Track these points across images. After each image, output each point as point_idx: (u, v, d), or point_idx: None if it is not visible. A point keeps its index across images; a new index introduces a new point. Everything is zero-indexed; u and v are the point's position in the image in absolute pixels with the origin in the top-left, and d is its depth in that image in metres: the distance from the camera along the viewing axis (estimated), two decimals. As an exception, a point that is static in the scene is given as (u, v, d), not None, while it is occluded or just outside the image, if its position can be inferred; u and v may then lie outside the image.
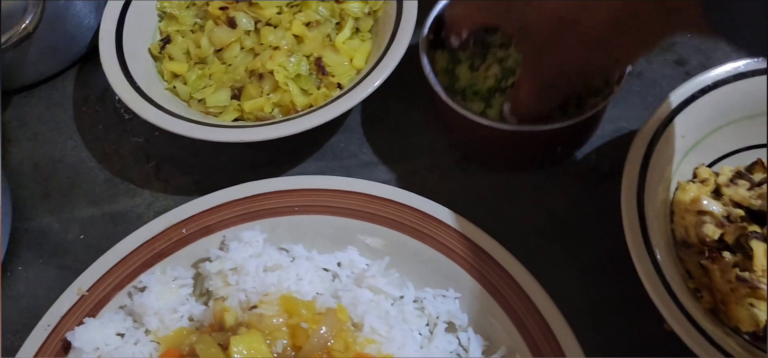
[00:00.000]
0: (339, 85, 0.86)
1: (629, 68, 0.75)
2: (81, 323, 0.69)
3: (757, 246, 0.68)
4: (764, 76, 0.76)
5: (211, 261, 0.71)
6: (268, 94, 0.85)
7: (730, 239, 0.70)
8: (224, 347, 0.61)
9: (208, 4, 0.92)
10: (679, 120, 0.74)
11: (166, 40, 0.91)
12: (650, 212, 0.68)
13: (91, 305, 0.70)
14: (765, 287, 0.66)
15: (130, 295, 0.71)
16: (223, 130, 0.79)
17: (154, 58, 0.92)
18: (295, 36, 0.88)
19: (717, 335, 0.62)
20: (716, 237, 0.71)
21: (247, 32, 0.89)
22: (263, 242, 0.72)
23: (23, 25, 0.84)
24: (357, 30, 0.91)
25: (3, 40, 0.83)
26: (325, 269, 0.73)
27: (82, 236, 0.83)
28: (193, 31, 0.92)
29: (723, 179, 0.74)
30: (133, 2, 0.92)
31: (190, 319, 0.69)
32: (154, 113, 0.80)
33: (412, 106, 0.89)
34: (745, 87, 0.76)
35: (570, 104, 0.76)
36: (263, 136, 0.77)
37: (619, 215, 0.68)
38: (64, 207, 0.86)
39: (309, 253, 0.73)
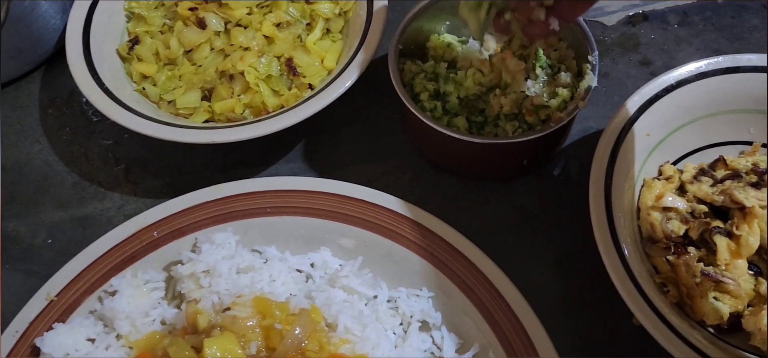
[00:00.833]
0: (310, 86, 0.86)
1: (595, 84, 0.75)
2: (50, 328, 0.68)
3: (721, 241, 0.70)
4: (724, 76, 0.78)
5: (183, 264, 0.70)
6: (238, 95, 0.85)
7: (694, 234, 0.72)
8: (198, 350, 0.61)
9: (177, 5, 0.91)
10: (643, 119, 0.76)
11: (135, 41, 0.90)
12: (617, 209, 0.70)
13: (61, 310, 0.69)
14: (729, 280, 0.68)
15: (100, 299, 0.70)
16: (193, 132, 0.79)
17: (123, 59, 0.90)
18: (266, 37, 0.88)
19: (683, 328, 0.63)
20: (681, 233, 0.73)
21: (217, 33, 0.89)
22: (236, 244, 0.72)
23: (-14, 26, 0.83)
24: (328, 31, 0.92)
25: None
26: (299, 270, 0.73)
27: (49, 241, 0.82)
28: (162, 32, 0.91)
29: (687, 176, 0.76)
30: (100, 3, 0.91)
31: (163, 322, 0.69)
32: (123, 115, 0.79)
33: (384, 107, 0.90)
34: (706, 86, 0.78)
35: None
36: (234, 137, 0.77)
37: (587, 213, 0.69)
38: (31, 211, 0.85)
39: (282, 254, 0.73)
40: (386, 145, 0.87)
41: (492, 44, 0.83)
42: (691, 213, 0.73)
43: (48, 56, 0.98)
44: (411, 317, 0.69)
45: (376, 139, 0.88)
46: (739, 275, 0.69)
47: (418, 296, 0.71)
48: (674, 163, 0.79)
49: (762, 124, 0.79)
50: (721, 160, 0.77)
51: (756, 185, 0.71)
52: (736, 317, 0.68)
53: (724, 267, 0.69)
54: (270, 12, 0.90)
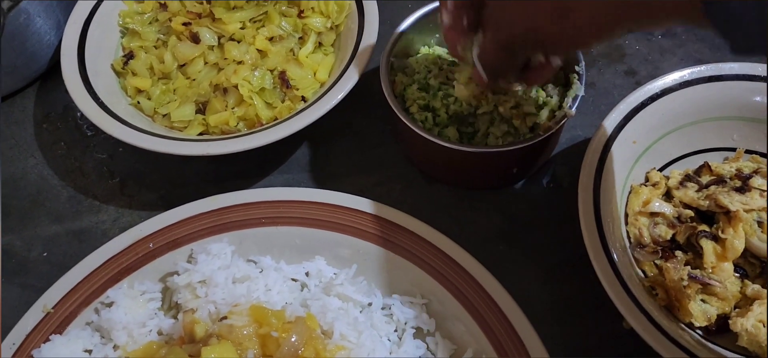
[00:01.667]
0: (303, 98, 0.88)
1: (582, 93, 0.77)
2: (47, 340, 0.68)
3: (707, 244, 0.71)
4: (708, 84, 0.80)
5: (179, 274, 0.71)
6: (232, 108, 0.86)
7: (681, 238, 0.74)
8: (195, 359, 0.61)
9: (170, 20, 0.92)
10: (629, 127, 0.78)
11: (129, 56, 0.91)
12: (606, 215, 0.71)
13: (58, 322, 0.69)
14: (716, 283, 0.69)
15: (97, 311, 0.70)
16: (188, 144, 0.79)
17: (117, 73, 0.91)
18: (259, 50, 0.90)
19: (672, 330, 0.65)
20: (668, 237, 0.74)
21: (211, 47, 0.90)
22: (231, 254, 0.73)
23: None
24: (320, 44, 0.93)
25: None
26: (294, 279, 0.73)
27: (45, 254, 0.82)
28: (156, 47, 0.92)
29: (673, 182, 0.78)
30: (95, 18, 0.92)
31: (159, 333, 0.69)
32: (118, 128, 0.80)
33: (375, 119, 0.91)
34: (690, 94, 0.80)
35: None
36: (229, 149, 0.78)
37: (577, 220, 0.70)
38: (27, 225, 0.85)
39: (277, 264, 0.74)
40: (378, 157, 0.88)
41: None
42: (678, 218, 0.75)
43: (42, 72, 0.98)
44: (405, 323, 0.70)
45: (368, 150, 0.89)
46: (726, 278, 0.70)
47: (412, 302, 0.71)
48: (660, 169, 0.81)
49: (745, 130, 0.81)
50: (705, 166, 0.79)
51: (740, 190, 0.73)
52: (723, 319, 0.69)
53: (710, 270, 0.70)
54: (263, 26, 0.92)
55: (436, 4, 0.83)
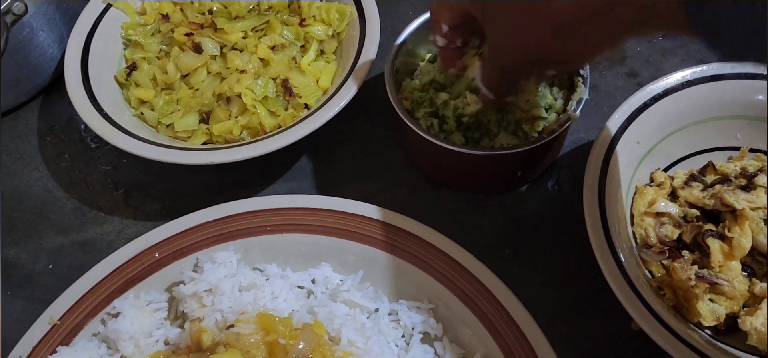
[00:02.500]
0: (306, 106, 0.88)
1: (586, 96, 0.77)
2: (54, 351, 0.68)
3: (713, 244, 0.71)
4: (710, 84, 0.80)
5: (185, 283, 0.71)
6: (236, 117, 0.86)
7: (687, 238, 0.74)
8: (203, 368, 0.61)
9: (173, 31, 0.92)
10: (632, 128, 0.78)
11: (132, 68, 0.91)
12: (611, 216, 0.71)
13: (64, 334, 0.69)
14: (723, 282, 0.69)
15: (103, 321, 0.70)
16: (192, 153, 0.80)
17: (121, 85, 0.92)
18: (261, 59, 0.90)
19: (681, 329, 0.64)
20: (675, 237, 0.74)
21: (214, 57, 0.90)
22: (237, 263, 0.73)
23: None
24: (322, 52, 0.93)
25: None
26: (300, 286, 0.73)
27: (50, 266, 0.82)
28: (158, 58, 0.93)
29: (678, 182, 0.78)
30: (97, 31, 0.92)
31: (166, 342, 0.69)
32: (122, 139, 0.80)
33: (378, 125, 0.91)
34: (693, 94, 0.80)
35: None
36: (233, 157, 0.78)
37: (582, 222, 0.70)
38: (32, 237, 0.85)
39: (283, 271, 0.74)
40: (382, 163, 0.88)
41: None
42: (684, 217, 0.75)
43: (45, 86, 0.99)
44: (413, 328, 0.70)
45: (372, 156, 0.89)
46: (733, 277, 0.70)
47: (418, 308, 0.71)
48: (665, 170, 0.81)
49: (748, 129, 0.81)
50: (710, 166, 0.79)
51: (745, 188, 0.73)
52: (732, 318, 0.69)
53: (718, 269, 0.70)
54: (265, 35, 0.92)
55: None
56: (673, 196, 0.78)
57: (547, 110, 0.79)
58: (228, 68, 0.89)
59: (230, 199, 0.78)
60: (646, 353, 0.69)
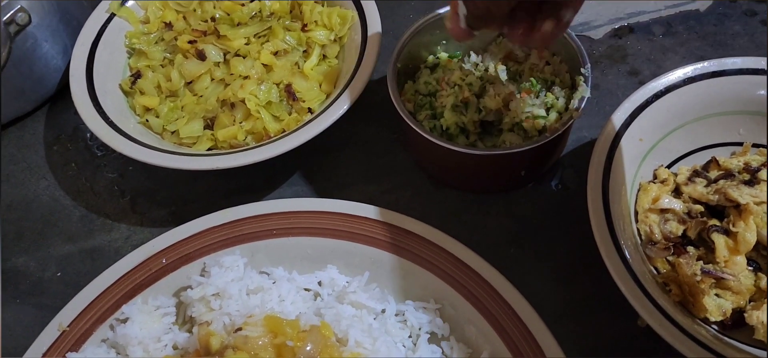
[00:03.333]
0: (310, 110, 0.88)
1: (588, 95, 0.77)
2: (63, 358, 0.68)
3: (718, 239, 0.71)
4: (711, 80, 0.81)
5: (192, 288, 0.71)
6: (240, 123, 0.86)
7: (692, 233, 0.74)
8: (212, 371, 0.61)
9: (176, 39, 0.93)
10: (635, 125, 0.78)
11: (137, 76, 0.92)
12: (616, 213, 0.71)
13: (73, 340, 0.69)
14: (729, 277, 0.69)
15: (112, 327, 0.71)
16: (197, 159, 0.80)
17: (126, 93, 0.92)
18: (264, 65, 0.90)
19: (688, 325, 0.64)
20: (679, 233, 0.74)
21: (217, 64, 0.91)
22: (244, 267, 0.73)
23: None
24: (324, 57, 0.94)
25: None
26: (307, 289, 0.74)
27: (59, 274, 0.83)
28: (162, 66, 0.93)
29: (681, 178, 0.78)
30: (101, 40, 0.93)
31: (175, 347, 0.70)
32: (128, 146, 0.81)
33: (382, 127, 0.92)
34: (694, 90, 0.80)
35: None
36: (238, 162, 0.79)
37: (586, 221, 0.70)
38: (40, 246, 0.85)
39: (290, 274, 0.74)
40: (386, 165, 0.89)
41: (490, 64, 0.85)
42: (688, 213, 0.75)
43: (50, 95, 1.00)
44: (419, 329, 0.70)
45: (376, 158, 0.90)
46: (739, 272, 0.70)
47: (425, 308, 0.71)
48: (668, 166, 0.81)
49: (751, 124, 0.81)
50: (713, 162, 0.79)
51: (749, 183, 0.73)
52: (738, 313, 0.69)
53: (723, 264, 0.70)
54: (267, 41, 0.93)
55: (440, 11, 0.84)
56: (677, 192, 0.78)
57: (548, 110, 0.79)
58: (231, 74, 0.89)
59: (236, 204, 0.78)
60: (654, 351, 0.70)
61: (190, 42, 0.92)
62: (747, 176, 0.74)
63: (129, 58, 0.96)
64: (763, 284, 0.70)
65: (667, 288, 0.70)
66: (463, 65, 0.85)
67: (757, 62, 0.80)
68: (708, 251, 0.73)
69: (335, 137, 0.90)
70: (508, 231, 0.82)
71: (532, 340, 0.66)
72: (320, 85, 0.90)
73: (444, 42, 0.88)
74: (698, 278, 0.69)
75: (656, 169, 0.80)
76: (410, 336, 0.71)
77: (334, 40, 0.94)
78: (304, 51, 0.94)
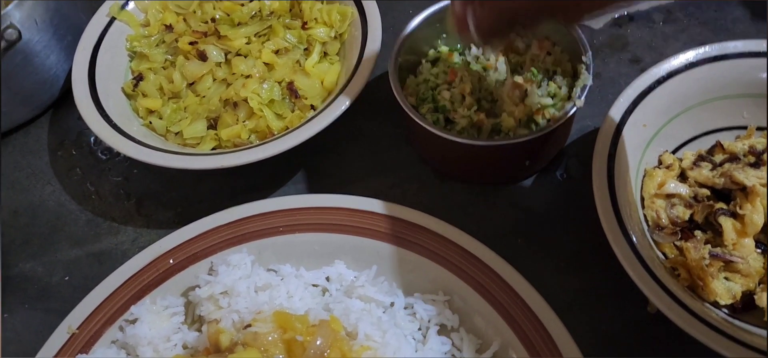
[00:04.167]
0: (312, 107, 0.88)
1: (590, 82, 0.77)
2: (73, 360, 0.68)
3: (726, 222, 0.71)
4: (713, 64, 0.81)
5: (200, 287, 0.71)
6: (243, 122, 0.86)
7: (699, 218, 0.73)
8: (222, 368, 0.61)
9: (177, 41, 0.93)
10: (638, 111, 0.78)
11: (139, 78, 0.92)
12: (622, 199, 0.71)
13: (83, 343, 0.69)
14: (738, 259, 0.69)
15: (121, 328, 0.71)
16: (202, 158, 0.80)
17: (128, 96, 0.92)
18: (266, 64, 0.90)
19: (698, 308, 0.64)
20: (686, 217, 0.74)
21: (219, 64, 0.91)
22: (251, 264, 0.73)
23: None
24: (325, 54, 0.94)
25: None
26: (315, 285, 0.74)
27: (67, 278, 0.83)
28: (164, 68, 0.94)
29: (686, 163, 0.78)
30: (103, 44, 0.93)
31: (185, 346, 0.69)
32: (133, 148, 0.81)
33: (385, 123, 0.92)
34: (697, 75, 0.80)
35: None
36: (243, 160, 0.79)
37: (592, 209, 0.70)
38: (47, 251, 0.85)
39: (297, 271, 0.74)
40: (391, 159, 0.89)
41: (491, 55, 0.85)
42: (694, 197, 0.75)
43: (53, 101, 1.00)
44: (429, 321, 0.70)
45: (381, 154, 0.90)
46: (747, 254, 0.70)
47: (434, 300, 0.71)
48: (673, 152, 0.81)
49: (754, 108, 0.81)
50: (718, 146, 0.79)
51: (754, 165, 0.73)
52: (748, 296, 0.69)
53: (731, 247, 0.70)
54: (268, 40, 0.93)
55: (440, 5, 0.84)
56: (683, 177, 0.78)
57: (552, 99, 0.79)
58: (233, 74, 0.89)
59: (241, 203, 0.78)
60: (665, 336, 0.70)
61: (191, 43, 0.92)
62: (752, 159, 0.74)
63: (130, 61, 0.96)
64: (772, 266, 0.70)
65: (676, 273, 0.70)
66: (465, 58, 0.85)
67: (759, 45, 0.80)
68: (715, 235, 0.72)
69: (339, 134, 0.90)
70: (514, 222, 0.82)
71: (543, 329, 0.65)
72: (322, 82, 0.90)
73: (444, 35, 0.88)
74: (706, 262, 0.68)
75: (661, 155, 0.80)
76: (420, 329, 0.71)
77: (335, 37, 0.95)
78: (305, 49, 0.94)
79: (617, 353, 0.71)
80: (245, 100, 0.86)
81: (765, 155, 0.74)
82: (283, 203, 0.77)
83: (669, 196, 0.76)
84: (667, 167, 0.78)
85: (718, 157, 0.78)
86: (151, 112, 0.90)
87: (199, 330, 0.71)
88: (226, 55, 0.92)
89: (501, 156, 0.79)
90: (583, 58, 0.78)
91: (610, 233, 0.68)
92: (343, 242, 0.75)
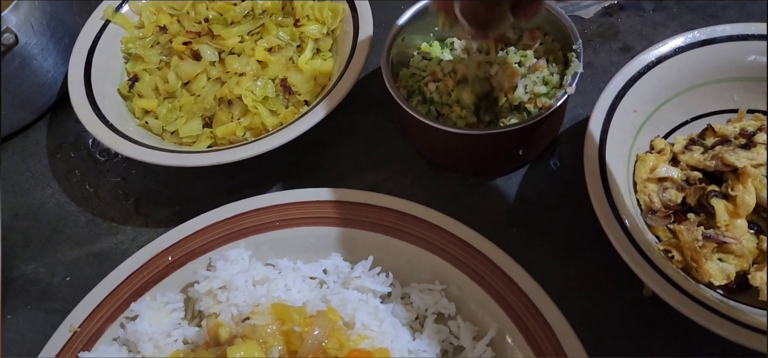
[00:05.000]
0: (306, 103, 0.89)
1: (581, 70, 0.78)
2: (76, 358, 0.69)
3: (718, 203, 0.72)
4: (702, 48, 0.81)
5: (199, 282, 0.72)
6: (238, 119, 0.87)
7: (692, 200, 0.74)
8: (222, 360, 0.62)
9: (171, 41, 0.94)
10: (628, 96, 0.78)
11: (134, 79, 0.93)
12: (614, 184, 0.72)
13: (85, 340, 0.70)
14: (731, 240, 0.69)
15: (122, 325, 0.71)
16: (199, 156, 0.81)
17: (124, 97, 0.93)
18: (259, 62, 0.91)
19: (693, 289, 0.64)
20: (679, 200, 0.75)
21: (213, 63, 0.92)
22: (249, 259, 0.74)
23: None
24: (318, 50, 0.95)
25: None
26: (312, 278, 0.74)
27: (68, 278, 0.84)
28: (159, 68, 0.95)
29: (678, 148, 0.78)
30: (98, 47, 0.94)
31: (185, 341, 0.70)
32: (130, 148, 0.82)
33: (379, 117, 0.93)
34: (686, 60, 0.81)
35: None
36: (238, 156, 0.80)
37: (586, 196, 0.71)
38: (48, 252, 0.86)
39: (294, 264, 0.75)
40: (385, 153, 0.90)
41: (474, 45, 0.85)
42: (686, 181, 0.76)
43: (51, 104, 1.01)
44: (426, 310, 0.71)
45: (375, 147, 0.90)
46: (740, 234, 0.70)
47: (430, 289, 0.72)
48: (664, 137, 0.81)
49: (744, 91, 0.81)
50: (709, 129, 0.79)
51: (745, 147, 0.74)
52: (742, 276, 0.70)
53: (724, 228, 0.71)
54: (261, 38, 0.94)
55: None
56: (674, 162, 0.78)
57: (545, 85, 0.80)
58: (227, 72, 0.90)
59: (238, 200, 0.78)
60: (661, 319, 0.70)
61: (185, 43, 0.93)
62: (743, 141, 0.75)
63: (126, 62, 0.97)
64: (764, 245, 0.70)
65: (670, 255, 0.71)
66: (454, 49, 0.86)
67: (747, 28, 0.81)
68: (708, 217, 0.73)
69: (333, 130, 0.90)
70: (509, 211, 0.82)
71: (539, 314, 0.66)
72: (315, 79, 0.91)
73: (436, 28, 0.89)
74: (700, 244, 0.69)
75: (653, 140, 0.80)
76: (417, 318, 0.71)
77: (327, 34, 0.95)
78: (298, 46, 0.95)
79: (613, 336, 0.71)
80: (239, 97, 0.87)
81: (756, 136, 0.74)
82: (279, 198, 0.78)
83: (661, 180, 0.76)
84: (659, 152, 0.78)
85: (710, 141, 0.78)
86: (147, 112, 0.91)
87: (199, 325, 0.72)
88: (219, 54, 0.92)
89: (494, 145, 0.80)
90: (574, 47, 0.79)
91: (603, 217, 0.69)
92: (340, 234, 0.76)
